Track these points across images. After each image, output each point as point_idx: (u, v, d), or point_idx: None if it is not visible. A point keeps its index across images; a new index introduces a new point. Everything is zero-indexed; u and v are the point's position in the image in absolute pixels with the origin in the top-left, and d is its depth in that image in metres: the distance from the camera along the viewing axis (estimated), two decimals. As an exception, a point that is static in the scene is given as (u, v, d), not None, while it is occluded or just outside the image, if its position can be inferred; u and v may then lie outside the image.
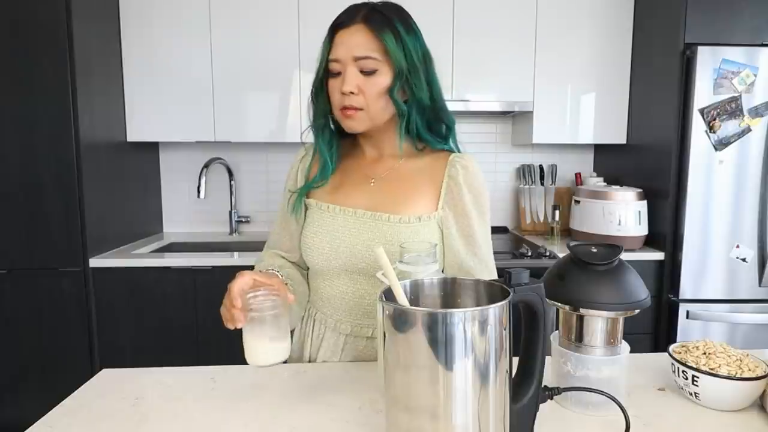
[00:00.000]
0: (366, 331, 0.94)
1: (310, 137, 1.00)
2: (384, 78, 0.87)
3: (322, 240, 0.94)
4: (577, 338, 0.75)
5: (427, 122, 0.95)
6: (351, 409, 0.76)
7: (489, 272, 0.96)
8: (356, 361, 0.96)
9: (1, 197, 1.92)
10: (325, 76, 0.90)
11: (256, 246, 2.37)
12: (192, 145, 2.57)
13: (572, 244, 0.76)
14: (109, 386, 0.85)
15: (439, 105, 0.94)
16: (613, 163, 2.57)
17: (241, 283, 0.78)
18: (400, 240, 0.88)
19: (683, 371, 0.77)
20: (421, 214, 0.92)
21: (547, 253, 2.11)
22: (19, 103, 1.89)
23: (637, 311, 0.71)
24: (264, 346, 0.76)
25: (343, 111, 0.88)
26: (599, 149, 2.72)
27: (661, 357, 0.91)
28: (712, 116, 1.96)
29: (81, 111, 1.94)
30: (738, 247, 2.01)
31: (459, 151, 0.99)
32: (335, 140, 0.98)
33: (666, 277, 2.11)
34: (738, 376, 0.73)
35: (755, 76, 1.94)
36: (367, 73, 0.87)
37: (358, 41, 0.85)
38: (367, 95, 0.87)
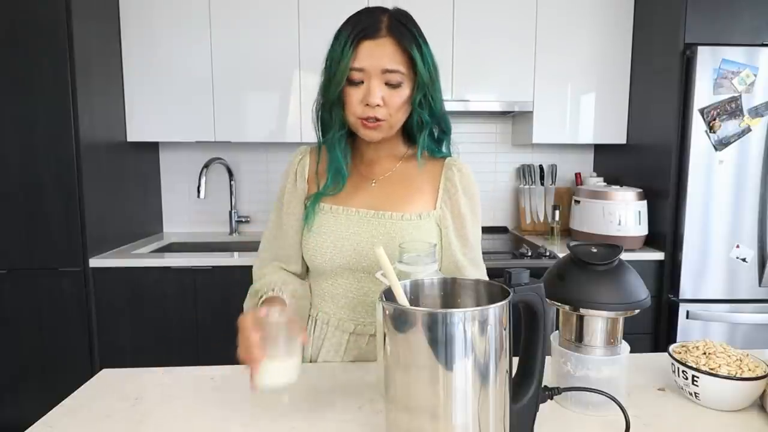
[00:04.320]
0: (369, 329, 0.95)
1: (312, 137, 1.00)
2: (407, 90, 0.88)
3: (325, 241, 0.94)
4: (577, 338, 0.75)
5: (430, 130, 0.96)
6: (351, 409, 0.76)
7: (480, 273, 0.99)
8: (358, 360, 0.96)
9: (1, 197, 1.92)
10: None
11: (256, 246, 2.34)
12: (192, 145, 2.57)
13: (572, 244, 0.77)
14: (109, 386, 0.85)
15: (443, 112, 0.95)
16: (613, 163, 2.57)
17: (250, 320, 0.73)
18: (403, 237, 0.89)
19: (683, 371, 0.77)
20: (421, 212, 0.94)
21: (547, 253, 2.11)
22: (19, 103, 1.89)
23: (637, 311, 0.71)
24: (275, 366, 0.71)
25: (365, 122, 0.88)
26: (599, 149, 2.72)
27: (661, 357, 0.91)
28: (712, 116, 1.96)
29: (81, 111, 1.94)
30: (738, 247, 2.01)
31: (451, 155, 1.01)
32: (348, 149, 0.98)
33: (666, 277, 2.11)
34: (738, 376, 0.73)
35: (755, 76, 1.94)
36: (393, 86, 0.87)
37: (386, 54, 0.85)
38: (391, 107, 0.87)
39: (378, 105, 0.86)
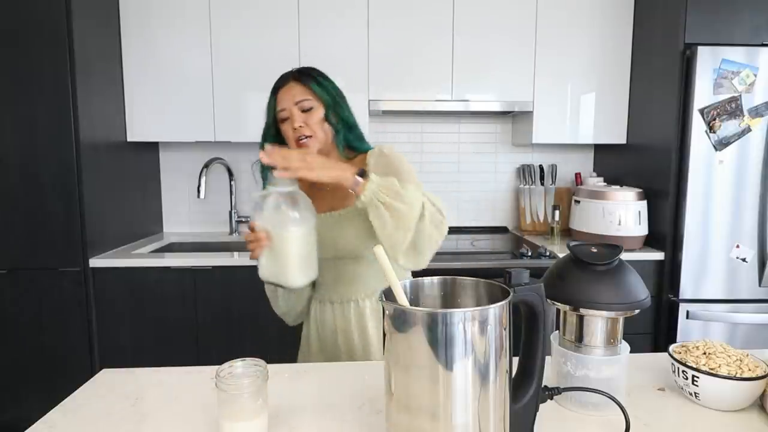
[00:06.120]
0: (349, 296, 1.18)
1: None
2: (319, 112, 1.16)
3: None
4: (577, 338, 0.75)
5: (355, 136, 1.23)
6: (351, 409, 0.77)
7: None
8: (343, 327, 1.16)
9: (1, 197, 1.92)
10: (276, 126, 1.18)
11: (256, 246, 2.37)
12: (192, 145, 2.57)
13: (572, 244, 0.76)
14: (109, 386, 0.85)
15: (354, 123, 1.22)
16: (613, 163, 2.57)
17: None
18: (352, 226, 1.14)
19: (683, 371, 0.77)
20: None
21: (547, 253, 2.11)
22: (19, 103, 1.89)
23: (637, 311, 0.71)
24: (238, 428, 0.67)
25: (298, 142, 1.15)
26: (599, 149, 2.72)
27: (661, 357, 0.92)
28: (712, 116, 1.96)
29: (81, 111, 1.94)
30: (738, 247, 2.01)
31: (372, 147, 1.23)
32: None
33: (666, 277, 2.10)
34: (738, 376, 0.73)
35: (755, 76, 1.94)
36: (307, 110, 1.15)
37: (294, 91, 1.15)
38: (311, 125, 1.15)
39: (300, 126, 1.13)
